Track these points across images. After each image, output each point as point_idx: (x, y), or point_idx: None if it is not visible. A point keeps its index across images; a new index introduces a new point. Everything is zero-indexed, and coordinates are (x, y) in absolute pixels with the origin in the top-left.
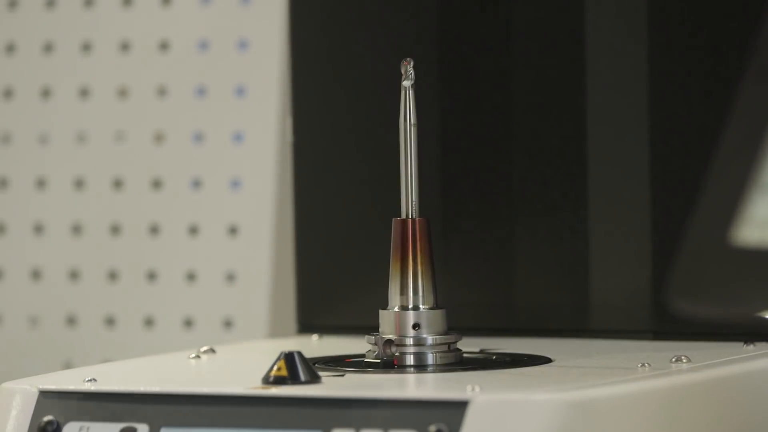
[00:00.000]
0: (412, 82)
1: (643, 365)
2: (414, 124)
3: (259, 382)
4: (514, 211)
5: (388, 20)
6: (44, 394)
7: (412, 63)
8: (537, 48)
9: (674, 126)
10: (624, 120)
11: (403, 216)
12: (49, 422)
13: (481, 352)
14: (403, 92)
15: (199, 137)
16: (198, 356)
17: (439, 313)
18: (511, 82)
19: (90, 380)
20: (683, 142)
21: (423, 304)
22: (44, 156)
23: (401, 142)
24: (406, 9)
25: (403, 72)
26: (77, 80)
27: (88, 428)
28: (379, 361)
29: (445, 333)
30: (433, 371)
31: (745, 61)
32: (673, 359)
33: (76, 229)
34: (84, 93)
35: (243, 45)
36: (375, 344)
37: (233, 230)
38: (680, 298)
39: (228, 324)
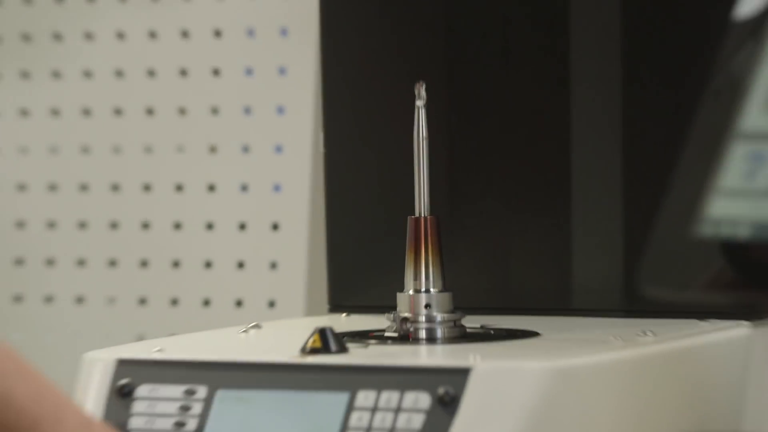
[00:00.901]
0: (424, 101)
1: (616, 338)
2: (425, 138)
3: (297, 352)
4: (508, 210)
5: (404, 49)
6: (121, 362)
7: (424, 85)
8: (529, 72)
9: (643, 138)
10: (601, 136)
11: (417, 215)
12: (125, 384)
13: (482, 327)
14: (416, 111)
15: (246, 149)
16: (246, 331)
17: (446, 295)
18: (506, 101)
19: (158, 350)
20: (651, 151)
21: (433, 288)
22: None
23: (415, 153)
24: (418, 40)
25: (416, 93)
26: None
27: (156, 390)
28: (396, 334)
29: (452, 311)
30: (442, 343)
31: (705, 81)
32: (641, 333)
33: (145, 226)
34: (150, 112)
35: (282, 71)
36: (393, 321)
37: (275, 226)
38: (647, 283)
39: (271, 304)
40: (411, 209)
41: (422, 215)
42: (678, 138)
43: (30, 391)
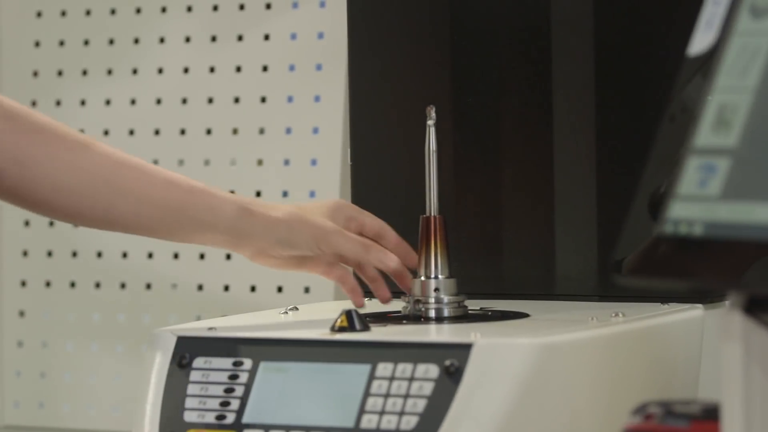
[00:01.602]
0: (434, 121)
1: (592, 319)
2: (435, 151)
3: (327, 329)
4: (503, 211)
5: (418, 79)
6: (181, 339)
7: (434, 108)
8: (518, 99)
9: (614, 153)
10: (579, 151)
11: (427, 214)
12: (183, 356)
13: (481, 309)
14: (427, 129)
15: (287, 162)
16: (286, 312)
17: (452, 281)
18: (500, 123)
19: (211, 329)
20: (620, 165)
21: (441, 275)
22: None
23: (426, 164)
24: (429, 72)
25: (427, 114)
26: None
27: (209, 362)
28: (410, 314)
29: (456, 294)
30: (448, 322)
31: (664, 107)
32: (613, 315)
33: None
34: (207, 131)
35: (317, 99)
36: (408, 302)
37: None
38: (618, 272)
39: (307, 290)
40: (422, 210)
41: (432, 215)
42: (643, 153)
43: None
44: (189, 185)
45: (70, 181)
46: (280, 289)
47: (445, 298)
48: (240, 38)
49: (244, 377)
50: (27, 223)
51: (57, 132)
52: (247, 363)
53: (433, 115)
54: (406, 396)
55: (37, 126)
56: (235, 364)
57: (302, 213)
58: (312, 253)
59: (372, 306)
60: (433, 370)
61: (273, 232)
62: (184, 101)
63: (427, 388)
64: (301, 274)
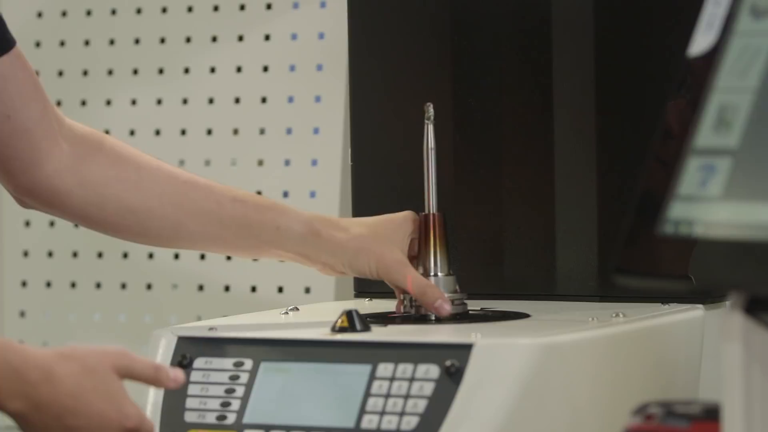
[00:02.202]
0: (432, 120)
1: (593, 319)
2: (433, 149)
3: (328, 330)
4: (503, 211)
5: (417, 79)
6: (181, 339)
7: (432, 106)
8: (519, 98)
9: (614, 155)
10: (579, 151)
11: (426, 212)
12: (184, 356)
13: (481, 309)
14: (426, 127)
15: (288, 162)
16: (287, 312)
17: (451, 278)
18: (500, 121)
19: (212, 329)
20: (620, 167)
21: (440, 272)
22: None
23: (424, 161)
24: (428, 71)
25: (425, 111)
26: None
27: (210, 362)
28: (411, 313)
29: (456, 292)
30: (448, 322)
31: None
32: (614, 315)
33: None
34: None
35: (318, 98)
36: (408, 300)
37: None
38: (618, 273)
39: (307, 290)
40: (422, 207)
41: (431, 212)
42: (642, 156)
43: None
44: (256, 203)
45: (137, 202)
46: (280, 290)
47: (445, 296)
48: (240, 38)
49: (244, 377)
50: (28, 224)
51: (122, 153)
52: (248, 363)
53: (431, 111)
54: (407, 396)
55: (104, 147)
56: (236, 364)
57: (371, 238)
58: (375, 279)
59: (372, 306)
60: (433, 371)
61: (338, 256)
62: (185, 102)
63: (428, 388)
64: (300, 273)
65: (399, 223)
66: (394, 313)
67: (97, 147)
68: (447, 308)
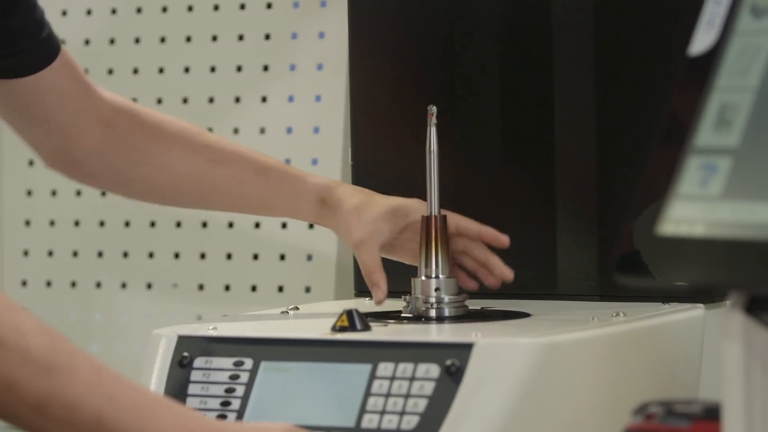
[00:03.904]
0: (435, 122)
1: (593, 318)
2: (435, 151)
3: (328, 329)
4: (504, 211)
5: (418, 80)
6: (181, 338)
7: (435, 109)
8: (520, 101)
9: (614, 155)
10: (579, 152)
11: (428, 213)
12: (184, 356)
13: (482, 309)
14: (428, 129)
15: (288, 161)
16: (287, 312)
17: (452, 280)
18: (501, 124)
19: (213, 328)
20: (620, 166)
21: (441, 274)
22: None
23: (427, 164)
24: (430, 73)
25: (428, 115)
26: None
27: (210, 361)
28: (411, 314)
29: (457, 294)
30: (449, 322)
31: (659, 119)
32: (614, 314)
33: (204, 225)
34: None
35: (318, 98)
36: (408, 302)
37: (312, 226)
38: (618, 272)
39: (307, 290)
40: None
41: (432, 214)
42: (642, 155)
43: (45, 343)
44: (278, 176)
45: (162, 182)
46: (280, 289)
47: (446, 297)
48: (241, 38)
49: (245, 377)
50: (27, 223)
51: (152, 132)
52: (248, 363)
53: (434, 110)
54: (407, 396)
55: (134, 128)
56: (236, 363)
57: (365, 207)
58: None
59: (373, 306)
60: (434, 370)
61: (339, 229)
62: (185, 101)
63: (428, 387)
64: (301, 273)
65: (395, 208)
66: (393, 312)
67: (127, 128)
68: (380, 296)
